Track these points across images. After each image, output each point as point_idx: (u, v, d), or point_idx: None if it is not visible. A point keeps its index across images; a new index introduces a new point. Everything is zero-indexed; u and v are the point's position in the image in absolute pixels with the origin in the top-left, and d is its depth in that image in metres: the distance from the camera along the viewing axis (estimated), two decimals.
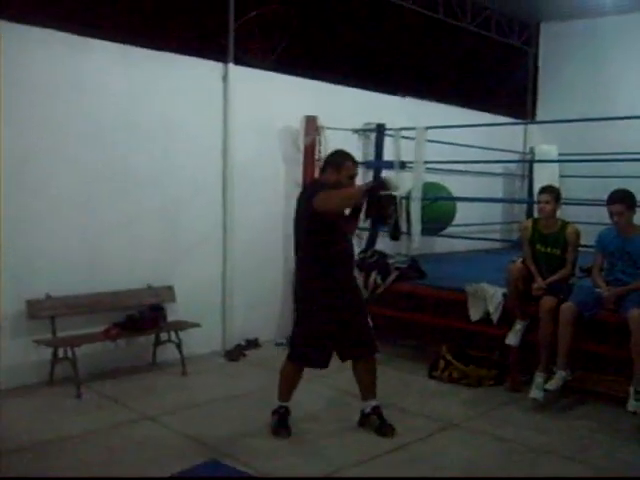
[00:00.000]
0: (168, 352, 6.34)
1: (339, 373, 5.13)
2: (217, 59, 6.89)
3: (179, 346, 6.17)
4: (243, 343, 7.00)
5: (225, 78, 6.84)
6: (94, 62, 5.96)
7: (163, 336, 6.29)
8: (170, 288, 6.43)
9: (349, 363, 4.82)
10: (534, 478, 3.94)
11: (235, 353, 6.77)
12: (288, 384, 4.74)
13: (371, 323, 4.87)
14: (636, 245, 5.24)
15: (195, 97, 6.67)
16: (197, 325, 6.30)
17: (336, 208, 4.48)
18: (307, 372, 4.77)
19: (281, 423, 4.72)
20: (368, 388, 4.82)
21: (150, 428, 4.84)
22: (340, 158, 4.64)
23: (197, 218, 6.73)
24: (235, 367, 6.51)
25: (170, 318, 6.34)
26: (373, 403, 4.82)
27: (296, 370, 4.72)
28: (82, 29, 5.91)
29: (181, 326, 6.25)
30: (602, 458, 4.47)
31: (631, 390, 4.91)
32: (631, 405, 4.89)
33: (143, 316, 6.05)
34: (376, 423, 4.76)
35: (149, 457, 4.32)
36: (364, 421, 4.83)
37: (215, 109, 6.82)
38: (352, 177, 4.59)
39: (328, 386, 5.65)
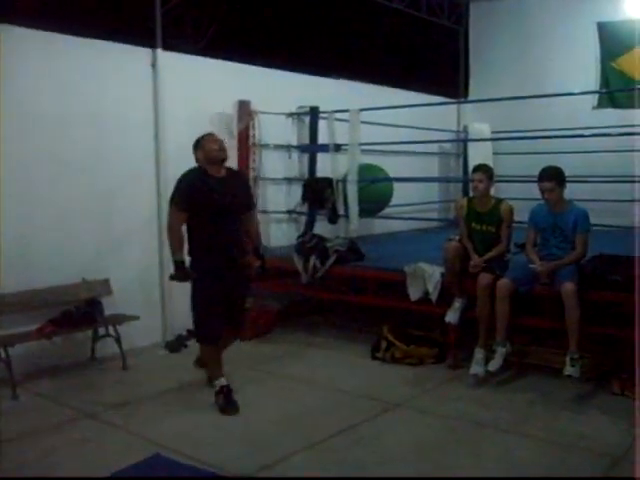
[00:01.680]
0: (107, 346, 6.21)
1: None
2: (145, 45, 6.73)
3: (118, 340, 6.05)
4: (184, 333, 6.90)
5: (154, 64, 6.69)
6: (19, 51, 5.73)
7: (101, 331, 6.15)
8: (106, 281, 6.29)
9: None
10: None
11: (176, 344, 6.68)
12: (215, 362, 5.08)
13: (249, 305, 5.54)
14: (567, 220, 5.36)
15: (124, 84, 6.51)
16: (136, 318, 6.18)
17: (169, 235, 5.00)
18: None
19: (228, 400, 4.91)
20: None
21: (91, 426, 4.74)
22: (197, 141, 5.10)
23: (131, 208, 6.58)
24: (176, 358, 6.43)
25: (108, 312, 6.19)
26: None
27: (210, 348, 5.09)
28: (5, 17, 5.68)
29: (119, 320, 6.13)
30: (541, 429, 4.60)
31: (567, 359, 5.04)
32: (567, 370, 5.00)
33: (79, 311, 5.90)
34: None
35: (91, 456, 4.23)
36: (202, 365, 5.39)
37: (145, 96, 6.67)
38: (214, 141, 5.05)
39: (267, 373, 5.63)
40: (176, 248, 4.91)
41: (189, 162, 6.87)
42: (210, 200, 4.89)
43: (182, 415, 4.90)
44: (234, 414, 4.82)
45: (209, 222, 4.91)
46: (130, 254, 6.59)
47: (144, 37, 6.88)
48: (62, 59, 6.05)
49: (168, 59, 6.77)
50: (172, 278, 5.04)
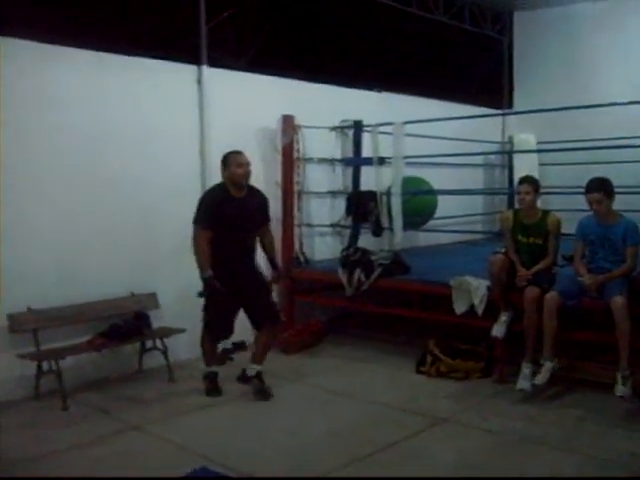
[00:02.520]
0: (154, 359, 6.29)
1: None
2: (191, 62, 6.84)
3: (165, 353, 6.13)
4: (229, 346, 6.94)
5: (199, 81, 6.78)
6: (67, 71, 5.89)
7: (148, 343, 6.24)
8: (153, 295, 6.38)
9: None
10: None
11: (221, 357, 6.71)
12: (209, 351, 5.71)
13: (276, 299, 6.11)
14: (616, 232, 5.26)
15: (170, 101, 6.61)
16: (182, 331, 6.24)
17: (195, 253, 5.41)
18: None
19: (212, 385, 5.63)
20: (260, 354, 5.62)
21: (137, 438, 4.80)
22: (224, 157, 5.44)
23: (176, 222, 6.60)
24: (222, 371, 6.44)
25: (155, 325, 6.28)
26: (258, 368, 5.57)
27: (209, 341, 5.71)
28: (53, 37, 5.85)
29: (166, 332, 6.21)
30: (591, 446, 4.50)
31: (618, 375, 4.95)
32: (619, 390, 4.93)
33: (127, 324, 5.99)
34: (258, 386, 5.50)
35: (136, 468, 4.27)
36: (245, 379, 5.64)
37: (191, 112, 6.77)
38: (240, 165, 5.36)
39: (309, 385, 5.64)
40: (204, 266, 5.32)
41: None
42: (226, 220, 5.31)
43: (227, 428, 4.93)
44: (217, 396, 5.54)
45: (222, 238, 5.33)
46: (176, 268, 6.65)
47: (190, 54, 7.00)
48: (108, 78, 6.17)
49: (213, 75, 6.86)
50: (200, 295, 5.48)
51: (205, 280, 5.35)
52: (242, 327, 7.07)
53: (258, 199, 5.68)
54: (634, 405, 5.07)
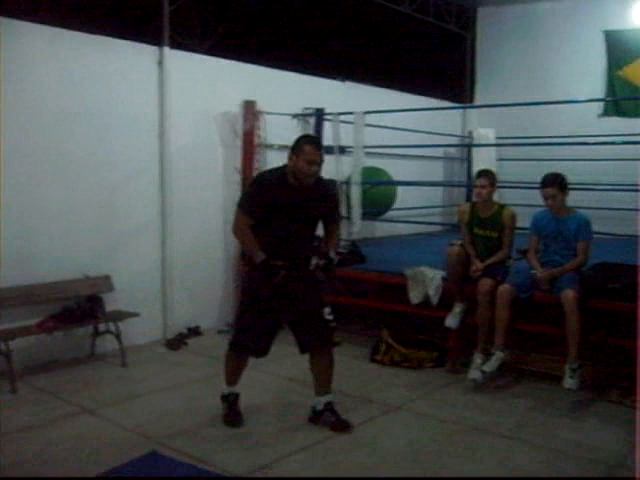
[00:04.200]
0: (107, 343, 6.25)
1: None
2: (152, 43, 6.75)
3: (118, 337, 6.06)
4: (184, 331, 6.92)
5: (161, 62, 6.70)
6: (25, 46, 5.75)
7: (102, 327, 6.17)
8: (108, 277, 6.30)
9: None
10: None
11: (176, 342, 6.69)
12: (232, 370, 4.72)
13: (330, 316, 4.79)
14: (569, 227, 5.36)
15: (130, 81, 6.52)
16: (136, 315, 6.20)
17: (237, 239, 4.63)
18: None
19: (231, 410, 4.72)
20: (322, 383, 4.70)
21: (88, 421, 4.75)
22: (299, 142, 4.41)
23: (134, 205, 6.61)
24: (176, 356, 6.44)
25: (109, 308, 6.22)
26: (325, 399, 4.67)
27: (236, 357, 4.69)
28: (12, 12, 5.70)
29: (120, 316, 6.14)
30: (539, 435, 4.59)
31: (566, 368, 5.04)
32: (566, 382, 5.03)
33: (80, 307, 5.92)
34: (330, 419, 4.62)
35: (87, 451, 4.22)
36: (316, 417, 4.68)
37: (151, 94, 6.69)
38: (311, 162, 4.31)
39: (272, 374, 5.63)
40: (253, 249, 4.39)
41: (194, 160, 6.97)
42: (277, 210, 4.39)
43: (179, 412, 4.91)
44: (237, 426, 4.61)
45: (271, 232, 4.44)
46: (133, 251, 6.62)
47: (151, 35, 6.91)
48: (67, 55, 6.06)
49: (174, 57, 6.79)
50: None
51: (261, 266, 4.37)
52: (197, 310, 7.10)
53: (322, 190, 4.57)
54: (581, 397, 5.18)
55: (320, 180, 4.51)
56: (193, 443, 4.37)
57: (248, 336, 4.58)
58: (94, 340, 6.25)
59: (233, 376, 4.73)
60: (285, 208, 4.38)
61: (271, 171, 4.65)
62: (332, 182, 4.93)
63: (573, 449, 4.38)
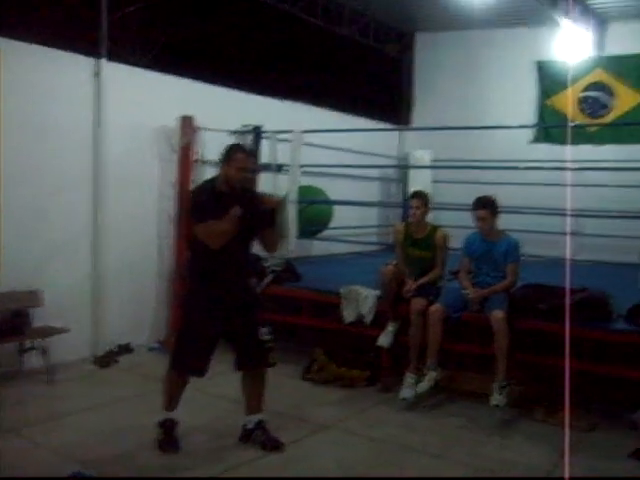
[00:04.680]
0: (35, 360, 6.04)
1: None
2: (89, 54, 6.65)
3: (45, 353, 5.89)
4: (115, 349, 6.77)
5: (97, 74, 6.61)
6: None
7: (28, 343, 5.98)
8: (35, 292, 6.11)
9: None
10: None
11: (106, 359, 6.54)
12: (171, 393, 4.57)
13: (268, 335, 4.75)
14: (499, 249, 5.50)
15: (66, 93, 6.41)
16: (65, 331, 6.04)
17: (217, 245, 4.27)
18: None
19: (167, 437, 4.52)
20: (253, 402, 4.67)
21: (11, 441, 4.58)
22: (230, 151, 4.46)
23: (65, 218, 6.45)
24: (106, 374, 6.30)
25: (37, 323, 6.04)
26: (256, 418, 4.64)
27: (177, 377, 4.56)
28: None
29: (47, 332, 5.97)
30: (466, 454, 4.66)
31: (495, 386, 5.14)
32: (494, 399, 5.12)
33: (4, 322, 5.73)
34: (261, 438, 4.58)
35: (8, 472, 4.07)
36: (247, 436, 4.64)
37: (86, 106, 6.58)
38: (242, 169, 4.37)
39: (210, 394, 5.55)
40: (219, 224, 4.21)
41: (128, 174, 6.87)
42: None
43: (105, 432, 4.79)
44: (173, 452, 4.43)
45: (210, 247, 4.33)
46: (63, 265, 6.45)
47: (89, 46, 6.81)
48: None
49: (112, 69, 6.71)
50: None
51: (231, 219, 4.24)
52: (128, 327, 6.96)
53: (256, 200, 4.57)
54: (508, 415, 5.29)
55: (256, 193, 4.57)
56: (119, 464, 4.28)
57: (189, 355, 4.49)
58: (21, 356, 6.04)
59: (172, 400, 4.56)
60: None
61: (205, 182, 4.66)
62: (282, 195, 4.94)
63: (499, 467, 4.46)
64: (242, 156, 4.43)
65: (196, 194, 4.62)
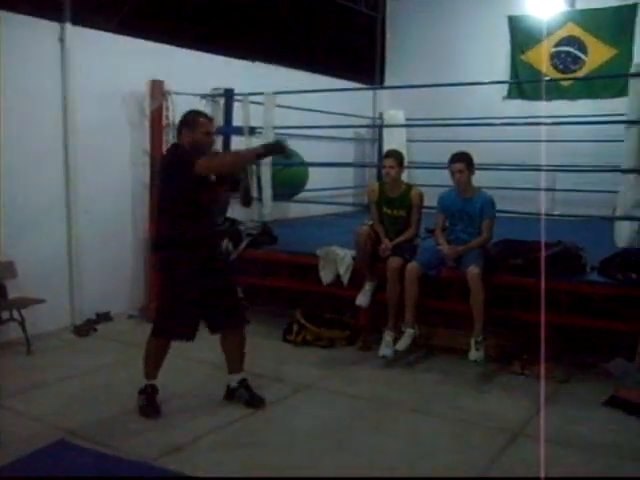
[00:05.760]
0: (12, 331, 6.01)
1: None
2: (53, 19, 6.49)
3: (22, 324, 5.86)
4: (94, 317, 6.76)
5: (62, 39, 6.46)
6: None
7: (5, 315, 5.94)
8: (10, 264, 6.06)
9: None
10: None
11: (85, 328, 6.52)
12: (153, 360, 4.59)
13: (241, 294, 4.84)
14: (474, 206, 5.53)
15: (30, 59, 6.24)
16: (42, 301, 6.00)
17: (227, 171, 4.59)
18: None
19: (149, 403, 4.54)
20: (235, 361, 4.73)
21: None
22: (192, 116, 4.50)
23: (37, 189, 6.35)
24: (85, 343, 6.29)
25: (13, 295, 6.00)
26: (239, 377, 4.72)
27: (160, 345, 4.58)
28: None
29: (23, 303, 5.93)
30: (446, 408, 4.74)
31: (472, 341, 5.22)
32: (472, 355, 5.21)
33: None
34: (245, 396, 4.68)
35: None
36: (231, 395, 4.73)
37: (53, 72, 6.44)
38: (208, 134, 4.48)
39: (191, 358, 5.57)
40: (243, 153, 4.83)
41: (100, 141, 6.77)
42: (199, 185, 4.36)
43: (90, 401, 4.80)
44: (153, 418, 4.47)
45: (202, 211, 4.46)
46: (37, 236, 6.37)
47: (53, 11, 6.63)
48: None
49: (77, 34, 6.55)
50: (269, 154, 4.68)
51: (263, 152, 4.48)
52: (106, 295, 6.93)
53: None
54: (486, 369, 5.38)
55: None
56: (103, 430, 4.30)
57: (177, 320, 4.49)
58: None
59: (154, 368, 4.60)
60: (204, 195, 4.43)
61: (173, 147, 4.67)
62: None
63: (478, 419, 4.55)
64: (205, 120, 4.51)
65: (175, 147, 4.58)
